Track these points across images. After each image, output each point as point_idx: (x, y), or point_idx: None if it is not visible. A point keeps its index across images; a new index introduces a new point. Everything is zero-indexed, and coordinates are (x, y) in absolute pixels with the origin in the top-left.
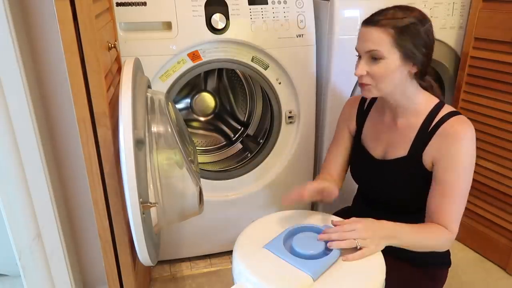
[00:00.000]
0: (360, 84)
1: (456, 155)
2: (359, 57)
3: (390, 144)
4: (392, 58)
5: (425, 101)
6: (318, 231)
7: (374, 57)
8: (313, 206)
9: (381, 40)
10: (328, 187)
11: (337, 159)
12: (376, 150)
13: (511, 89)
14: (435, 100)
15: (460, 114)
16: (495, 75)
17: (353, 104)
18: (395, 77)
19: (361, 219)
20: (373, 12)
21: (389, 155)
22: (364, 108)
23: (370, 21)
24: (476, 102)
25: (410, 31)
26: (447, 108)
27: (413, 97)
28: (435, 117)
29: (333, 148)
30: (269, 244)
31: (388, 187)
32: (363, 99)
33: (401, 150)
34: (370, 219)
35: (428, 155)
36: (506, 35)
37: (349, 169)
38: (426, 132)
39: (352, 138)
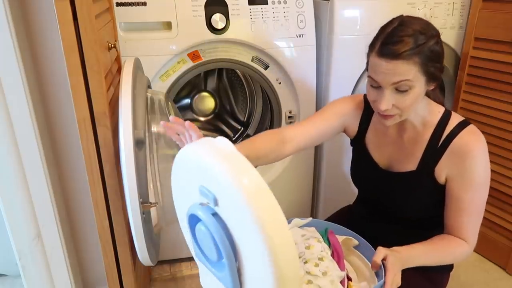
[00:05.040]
0: (382, 115)
1: (471, 172)
2: (378, 87)
3: (396, 158)
4: (419, 85)
5: (431, 111)
6: None
7: (401, 89)
8: (313, 207)
9: (409, 71)
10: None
11: (312, 133)
12: (381, 159)
13: (511, 89)
14: (441, 109)
15: (469, 123)
16: (495, 75)
17: (358, 105)
18: (419, 100)
19: (391, 262)
20: (383, 33)
21: (396, 168)
22: (368, 112)
23: (391, 54)
24: (476, 102)
25: (433, 54)
26: (455, 118)
27: (421, 110)
28: (444, 130)
29: (316, 121)
30: None
31: (393, 198)
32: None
33: (409, 164)
34: (393, 254)
35: (441, 171)
36: (506, 35)
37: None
38: (436, 147)
39: (336, 133)
